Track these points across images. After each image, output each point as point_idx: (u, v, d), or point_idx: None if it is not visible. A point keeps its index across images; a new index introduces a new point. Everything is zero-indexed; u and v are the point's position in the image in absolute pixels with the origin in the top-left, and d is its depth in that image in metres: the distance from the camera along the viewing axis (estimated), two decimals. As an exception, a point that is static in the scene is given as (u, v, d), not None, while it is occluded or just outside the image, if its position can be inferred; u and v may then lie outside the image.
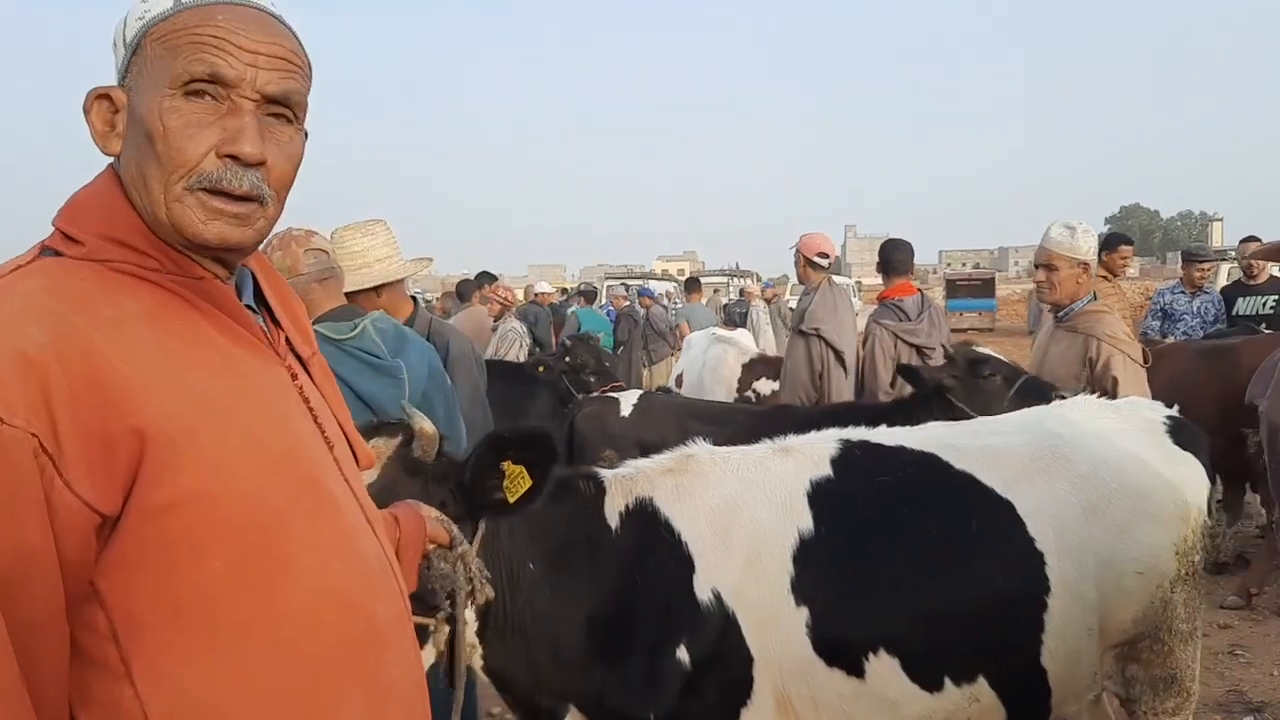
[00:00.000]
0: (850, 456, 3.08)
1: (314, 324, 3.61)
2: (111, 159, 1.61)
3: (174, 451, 1.43)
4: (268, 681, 1.51)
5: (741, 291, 18.20)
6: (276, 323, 1.77)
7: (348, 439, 1.81)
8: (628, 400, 6.62)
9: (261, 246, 4.02)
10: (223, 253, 1.61)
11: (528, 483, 2.49)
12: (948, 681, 2.87)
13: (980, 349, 5.48)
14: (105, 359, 1.42)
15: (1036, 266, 5.34)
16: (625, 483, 2.98)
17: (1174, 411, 3.42)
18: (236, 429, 1.52)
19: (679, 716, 2.77)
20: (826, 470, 3.02)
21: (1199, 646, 3.23)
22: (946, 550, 2.94)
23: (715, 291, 27.64)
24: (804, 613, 2.81)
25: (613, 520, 2.90)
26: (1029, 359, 5.84)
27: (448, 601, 2.32)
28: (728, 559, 2.83)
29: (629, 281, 26.32)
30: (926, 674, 2.86)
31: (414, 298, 4.78)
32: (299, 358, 1.76)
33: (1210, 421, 7.67)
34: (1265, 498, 7.53)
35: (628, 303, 18.35)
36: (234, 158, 1.53)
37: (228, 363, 1.57)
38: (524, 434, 2.54)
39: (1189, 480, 3.21)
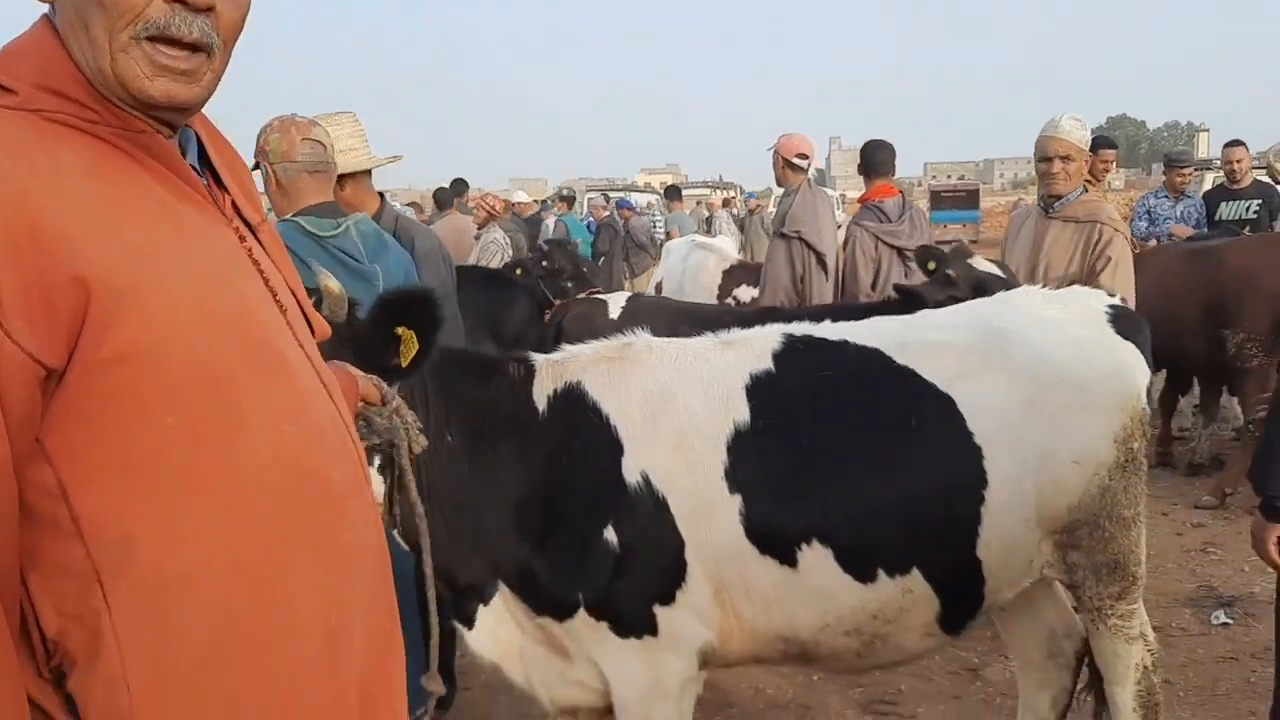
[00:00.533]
0: (792, 350, 3.06)
1: (296, 216, 3.64)
2: (47, 8, 1.54)
3: (118, 304, 1.39)
4: (219, 543, 1.48)
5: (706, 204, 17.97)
6: (223, 186, 1.70)
7: (301, 308, 1.76)
8: (616, 302, 6.55)
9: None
10: (168, 112, 1.55)
11: (416, 346, 2.48)
12: (881, 573, 2.89)
13: (982, 265, 5.36)
14: (43, 208, 1.36)
15: (1046, 159, 5.31)
16: (556, 367, 2.97)
17: (1117, 300, 3.40)
18: (181, 285, 1.48)
19: (610, 597, 2.80)
20: (767, 363, 3.01)
21: (1143, 532, 3.24)
22: (884, 445, 2.95)
23: (698, 203, 27.44)
24: (737, 501, 2.83)
25: (540, 403, 2.90)
26: (1003, 253, 5.80)
27: (390, 455, 2.39)
28: (657, 444, 2.84)
29: (610, 193, 26.06)
30: (859, 566, 2.88)
31: (381, 194, 4.69)
32: (247, 224, 1.70)
33: (1190, 323, 7.75)
34: (1242, 400, 7.56)
35: (607, 213, 18.18)
36: (182, 2, 1.47)
37: (171, 218, 1.53)
38: (407, 296, 2.54)
39: (1128, 369, 3.21)
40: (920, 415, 2.98)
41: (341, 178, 4.12)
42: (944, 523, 2.95)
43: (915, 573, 2.91)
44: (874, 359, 3.06)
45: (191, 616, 1.46)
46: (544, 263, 7.83)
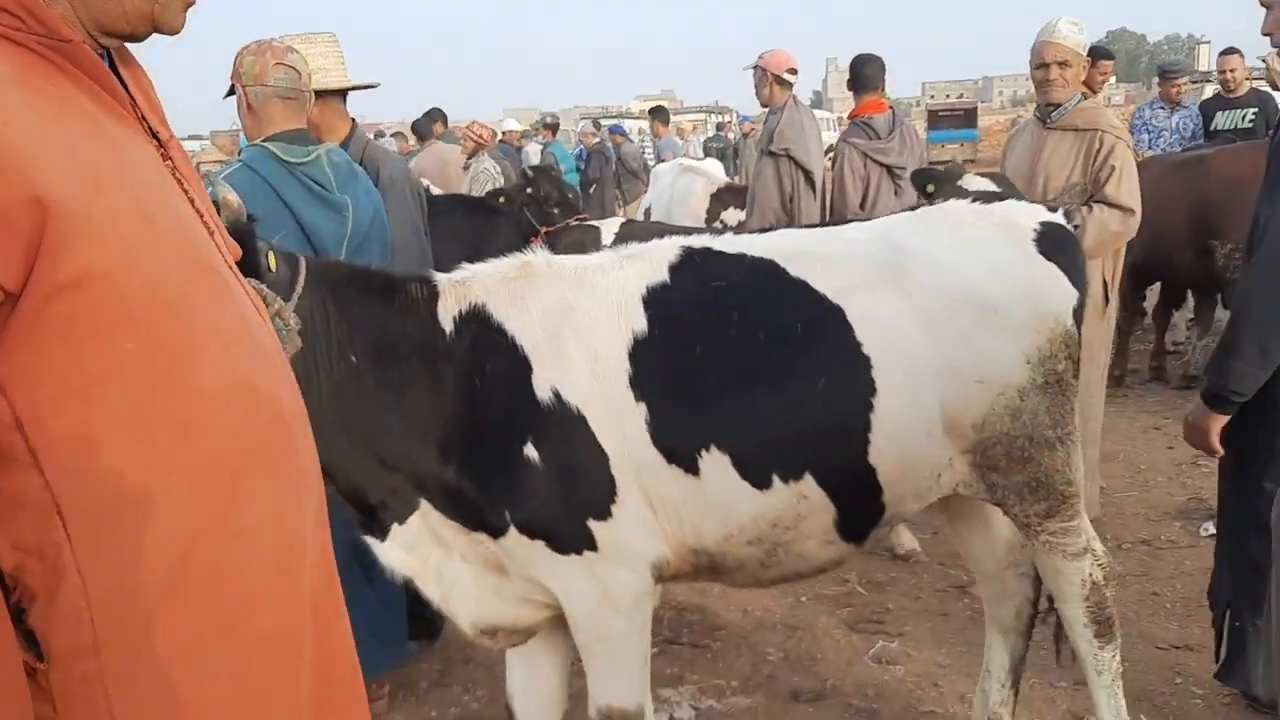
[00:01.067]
0: (689, 262, 3.07)
1: (267, 141, 3.59)
2: None
3: (72, 226, 1.35)
4: (179, 469, 1.46)
5: (679, 130, 17.59)
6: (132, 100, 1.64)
7: (215, 229, 1.70)
8: (609, 228, 6.49)
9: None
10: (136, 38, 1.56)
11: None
12: (776, 479, 2.93)
13: (975, 184, 5.25)
14: None
15: (1043, 65, 5.21)
16: (459, 288, 2.96)
17: (1054, 216, 3.31)
18: (129, 205, 1.46)
19: (540, 514, 2.82)
20: (663, 275, 3.02)
21: (1074, 451, 3.20)
22: (772, 352, 2.97)
23: (694, 129, 27.16)
24: (643, 409, 2.86)
25: (447, 324, 2.90)
26: (1002, 161, 5.72)
27: None
28: (563, 358, 2.86)
29: (603, 120, 25.76)
30: (755, 472, 2.92)
31: (353, 120, 4.58)
32: (157, 141, 1.64)
33: (1180, 236, 7.67)
34: (1234, 311, 7.48)
35: (598, 140, 17.97)
36: None
37: (102, 133, 1.49)
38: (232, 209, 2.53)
39: (1047, 288, 3.15)
40: (807, 325, 2.99)
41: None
42: (832, 430, 2.97)
43: (809, 479, 2.94)
44: (767, 270, 3.06)
45: (154, 543, 1.44)
46: (529, 190, 7.71)
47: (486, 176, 10.52)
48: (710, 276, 3.05)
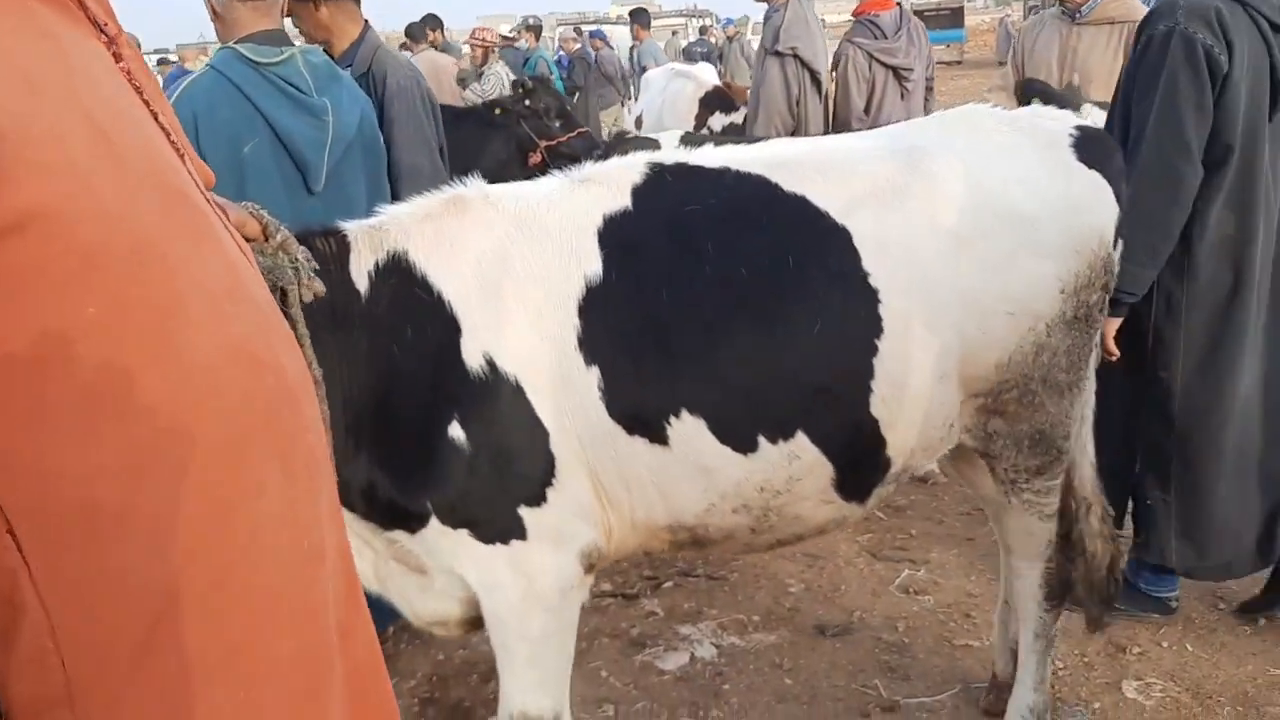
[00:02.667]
0: (657, 184, 2.56)
1: (242, 40, 3.28)
2: None
3: (11, 153, 0.99)
4: (163, 464, 1.11)
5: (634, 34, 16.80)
6: None
7: (184, 151, 1.35)
8: (669, 141, 6.08)
9: None
10: None
11: None
12: (762, 440, 2.49)
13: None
14: None
15: None
16: (374, 235, 2.45)
17: (1087, 121, 2.89)
18: (77, 119, 1.04)
19: (465, 502, 2.38)
20: (625, 202, 2.51)
21: (1077, 402, 2.85)
22: (756, 290, 2.47)
23: (674, 34, 26.47)
24: (595, 374, 2.40)
25: (361, 282, 2.39)
26: (1021, 62, 5.39)
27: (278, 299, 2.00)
28: (501, 317, 2.38)
29: (583, 26, 25.01)
30: (737, 434, 2.48)
31: (366, 22, 4.21)
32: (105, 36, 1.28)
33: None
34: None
35: (579, 45, 17.34)
36: None
37: (41, 28, 1.08)
38: None
39: (1089, 204, 2.70)
40: (803, 252, 2.50)
41: None
42: (829, 378, 2.52)
43: (801, 437, 2.51)
44: (755, 187, 2.57)
45: (137, 563, 1.09)
46: (526, 102, 7.24)
47: (498, 79, 10.10)
48: (683, 199, 2.55)
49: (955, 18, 41.15)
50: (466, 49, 12.92)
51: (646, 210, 2.52)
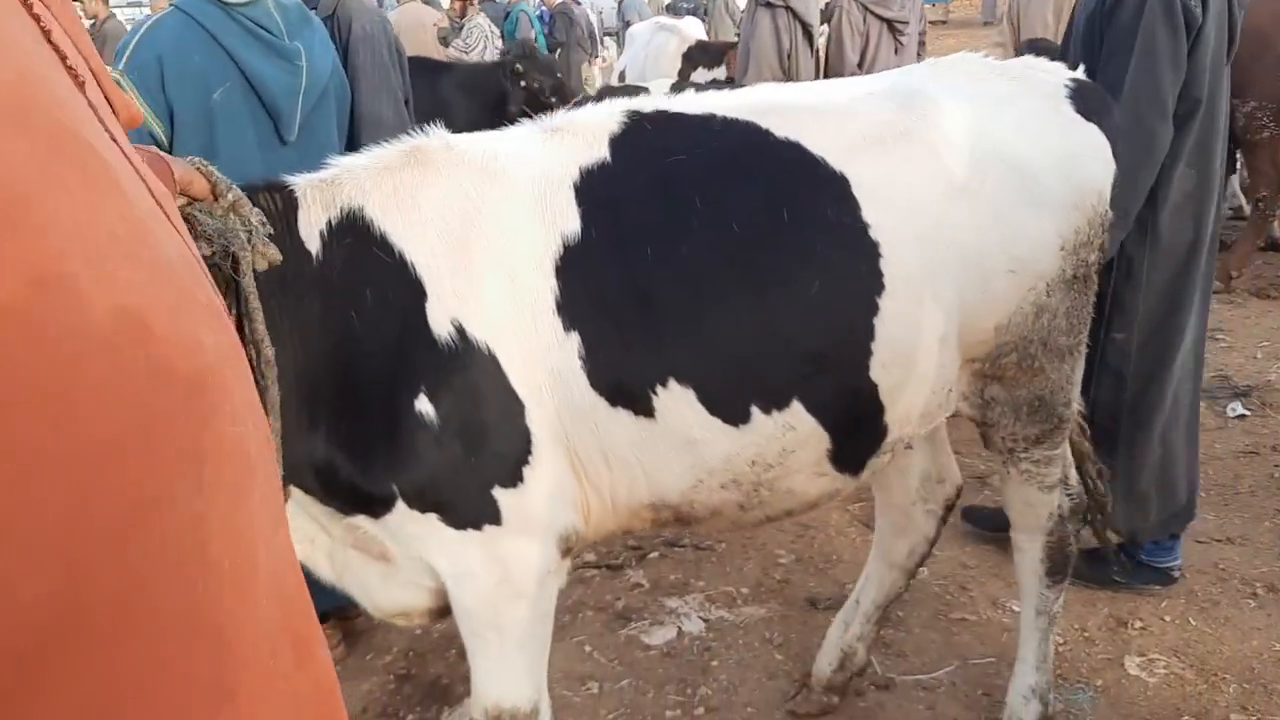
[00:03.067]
0: (636, 133, 2.36)
1: None
2: None
3: None
4: (36, 479, 0.79)
5: None
6: None
7: (98, 81, 1.12)
8: (659, 89, 5.84)
9: None
10: None
11: None
12: (755, 411, 2.32)
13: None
14: None
15: None
16: (326, 190, 2.22)
17: (1079, 73, 2.76)
18: None
19: (434, 484, 2.18)
20: (603, 153, 2.31)
21: (1079, 366, 2.71)
22: (749, 246, 2.29)
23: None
24: (575, 340, 2.20)
25: (312, 243, 2.15)
26: (1016, 19, 5.23)
27: (227, 271, 1.83)
28: (470, 279, 2.17)
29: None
30: (728, 404, 2.31)
31: None
32: None
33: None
34: (1251, 175, 7.07)
35: (560, 1, 16.97)
36: None
37: None
38: None
39: (1089, 157, 2.56)
40: (798, 203, 2.32)
41: None
42: (826, 341, 2.34)
43: (796, 405, 2.33)
44: (744, 134, 2.38)
45: (12, 576, 0.85)
46: (521, 83, 6.90)
47: (480, 32, 9.84)
48: (666, 149, 2.34)
49: (939, -24, 40.83)
50: (446, 1, 12.61)
51: (626, 162, 2.32)
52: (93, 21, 10.96)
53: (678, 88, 8.35)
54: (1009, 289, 2.48)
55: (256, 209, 1.89)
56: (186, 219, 1.74)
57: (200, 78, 3.05)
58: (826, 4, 6.59)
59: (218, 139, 3.04)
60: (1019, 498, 2.87)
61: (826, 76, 6.15)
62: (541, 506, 2.26)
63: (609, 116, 2.39)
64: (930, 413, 2.58)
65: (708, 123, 2.40)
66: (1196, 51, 3.29)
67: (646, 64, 9.47)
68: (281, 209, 2.16)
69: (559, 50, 14.46)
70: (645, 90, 5.43)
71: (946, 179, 2.41)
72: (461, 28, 10.03)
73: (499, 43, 10.06)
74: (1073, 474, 2.95)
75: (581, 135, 2.35)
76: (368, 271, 2.15)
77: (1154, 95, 3.24)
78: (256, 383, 1.89)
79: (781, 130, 2.38)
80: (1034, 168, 2.48)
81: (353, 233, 2.17)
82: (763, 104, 2.46)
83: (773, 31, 5.93)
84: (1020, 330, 2.53)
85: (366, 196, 2.20)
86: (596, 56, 14.40)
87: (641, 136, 2.36)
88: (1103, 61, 3.31)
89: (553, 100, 6.81)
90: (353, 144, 3.55)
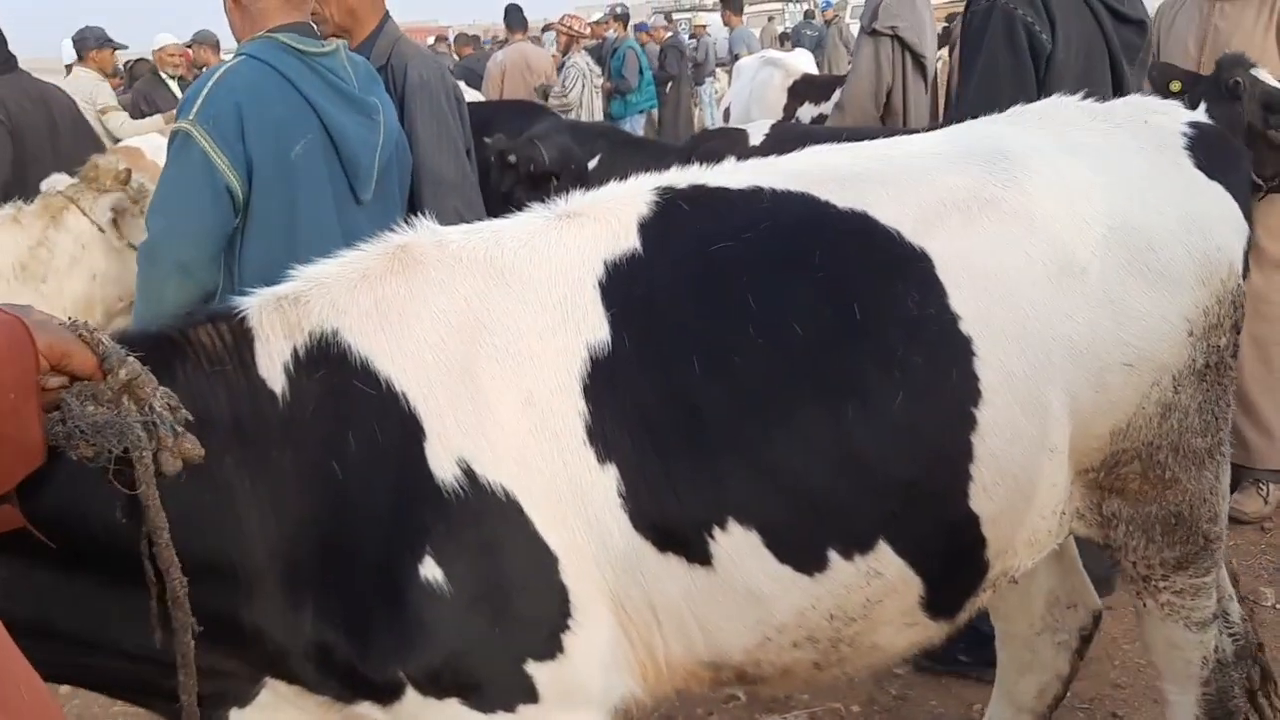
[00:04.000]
0: (671, 216, 1.98)
1: (273, 31, 2.91)
2: None
3: None
4: None
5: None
6: None
7: None
8: (758, 130, 5.43)
9: None
10: None
11: None
12: (833, 556, 1.91)
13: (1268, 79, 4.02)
14: None
15: None
16: (288, 312, 1.84)
17: (1202, 116, 2.36)
18: None
19: (453, 664, 1.78)
20: (632, 242, 1.93)
21: (1225, 472, 2.25)
22: (816, 352, 1.90)
23: (770, 20, 25.95)
24: (612, 474, 1.81)
25: (275, 381, 1.76)
26: (1155, 44, 4.69)
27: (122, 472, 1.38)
28: (477, 408, 1.79)
29: (675, 14, 24.55)
30: (799, 549, 1.91)
31: (387, 13, 3.71)
32: None
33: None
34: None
35: (671, 35, 16.69)
36: None
37: None
38: None
39: (1215, 220, 2.14)
40: (871, 295, 1.93)
41: None
42: (917, 467, 1.94)
43: (882, 547, 1.94)
44: (801, 210, 2.00)
45: None
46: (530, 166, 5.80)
47: (577, 73, 9.62)
48: (708, 234, 1.96)
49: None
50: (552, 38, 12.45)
51: (661, 252, 1.93)
52: (202, 70, 11.08)
53: (780, 124, 7.85)
54: (1127, 386, 2.07)
55: (164, 389, 1.43)
56: (57, 406, 1.35)
57: (281, 129, 2.81)
58: (945, 28, 6.05)
59: (300, 197, 2.81)
60: (1161, 637, 2.39)
61: (945, 114, 5.62)
62: (590, 676, 1.87)
63: (636, 196, 2.00)
64: (1038, 540, 2.17)
65: (755, 199, 2.02)
66: (1049, 79, 3.14)
67: (751, 99, 9.08)
68: (232, 343, 1.79)
69: (670, 84, 14.17)
70: (744, 133, 4.98)
71: (1045, 256, 2.02)
72: (561, 66, 9.82)
73: (599, 80, 9.81)
74: (1234, 606, 2.47)
75: (604, 221, 1.95)
76: (348, 410, 1.78)
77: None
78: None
79: (843, 203, 2.01)
80: (1150, 237, 2.08)
81: (326, 363, 1.80)
82: (817, 172, 2.08)
83: (873, 63, 5.41)
84: (1144, 435, 2.11)
85: (341, 315, 1.82)
86: (700, 86, 14.12)
87: (677, 219, 1.97)
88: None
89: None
90: (413, 204, 3.29)
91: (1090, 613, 2.73)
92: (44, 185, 4.02)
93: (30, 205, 4.01)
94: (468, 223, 2.13)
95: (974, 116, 2.86)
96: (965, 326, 1.94)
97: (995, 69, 3.13)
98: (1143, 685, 3.48)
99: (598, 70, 9.87)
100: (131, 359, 1.40)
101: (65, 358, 1.34)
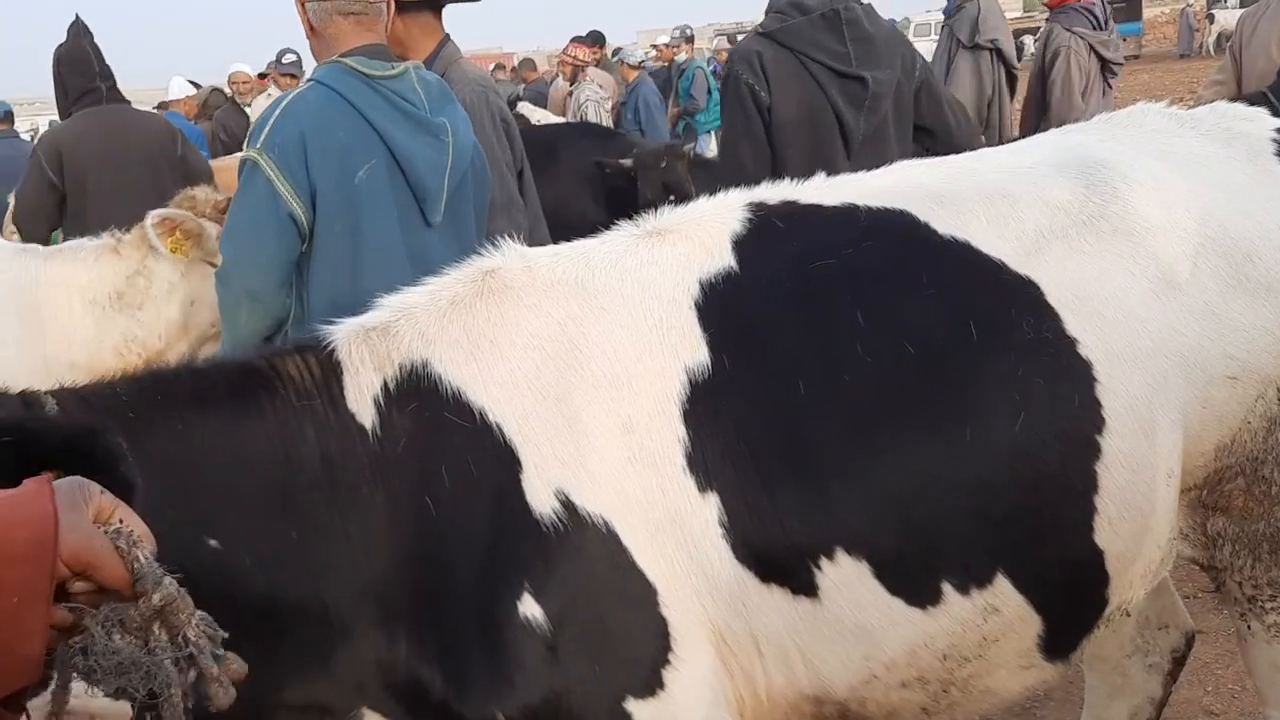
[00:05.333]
0: (765, 233, 1.92)
1: (342, 57, 2.94)
2: None
3: None
4: None
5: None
6: None
7: None
8: None
9: None
10: None
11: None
12: (948, 589, 1.83)
13: None
14: None
15: None
16: (377, 343, 1.80)
17: None
18: None
19: (552, 704, 1.71)
20: (726, 260, 1.88)
21: None
22: (930, 373, 1.84)
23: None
24: (713, 503, 1.75)
25: (365, 415, 1.73)
26: (1239, 51, 4.64)
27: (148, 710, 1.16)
28: (575, 438, 1.74)
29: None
30: (913, 581, 1.83)
31: (447, 35, 3.75)
32: None
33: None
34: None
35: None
36: None
37: None
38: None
39: None
40: (986, 316, 1.87)
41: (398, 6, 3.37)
42: (1039, 497, 1.87)
43: (1001, 581, 1.85)
44: (899, 226, 1.95)
45: None
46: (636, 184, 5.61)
47: (591, 106, 9.64)
48: (806, 252, 1.90)
49: (1132, 9, 39.33)
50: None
51: (758, 270, 1.88)
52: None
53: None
54: (1231, 400, 2.00)
55: (201, 612, 1.24)
56: (75, 628, 1.15)
57: (344, 155, 2.80)
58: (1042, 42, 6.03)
59: (363, 222, 2.80)
60: (1266, 661, 2.29)
61: (1045, 122, 5.57)
62: (692, 715, 1.81)
63: (726, 213, 1.94)
64: (1152, 570, 2.08)
65: (851, 215, 1.96)
66: (773, 137, 3.61)
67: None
68: (320, 376, 1.76)
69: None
70: None
71: (1150, 271, 1.96)
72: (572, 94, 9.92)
73: (608, 105, 9.82)
74: None
75: (697, 239, 1.90)
76: (441, 443, 1.73)
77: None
78: None
79: (945, 225, 1.95)
80: (1246, 246, 2.02)
81: (417, 395, 1.76)
82: (913, 189, 2.02)
83: (974, 76, 5.43)
84: (1248, 449, 2.04)
85: (430, 345, 1.79)
86: None
87: (772, 237, 1.92)
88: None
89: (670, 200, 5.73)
90: None
91: (1183, 634, 2.65)
92: (149, 216, 4.12)
93: (128, 235, 4.11)
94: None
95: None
96: (1082, 350, 1.88)
97: (732, 129, 3.69)
98: (1236, 712, 3.39)
99: (605, 94, 9.91)
100: (168, 579, 1.20)
101: (91, 569, 1.14)
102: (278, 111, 2.87)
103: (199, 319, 4.09)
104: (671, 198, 5.35)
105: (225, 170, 6.14)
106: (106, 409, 1.64)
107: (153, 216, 4.04)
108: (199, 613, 1.23)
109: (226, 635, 1.26)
